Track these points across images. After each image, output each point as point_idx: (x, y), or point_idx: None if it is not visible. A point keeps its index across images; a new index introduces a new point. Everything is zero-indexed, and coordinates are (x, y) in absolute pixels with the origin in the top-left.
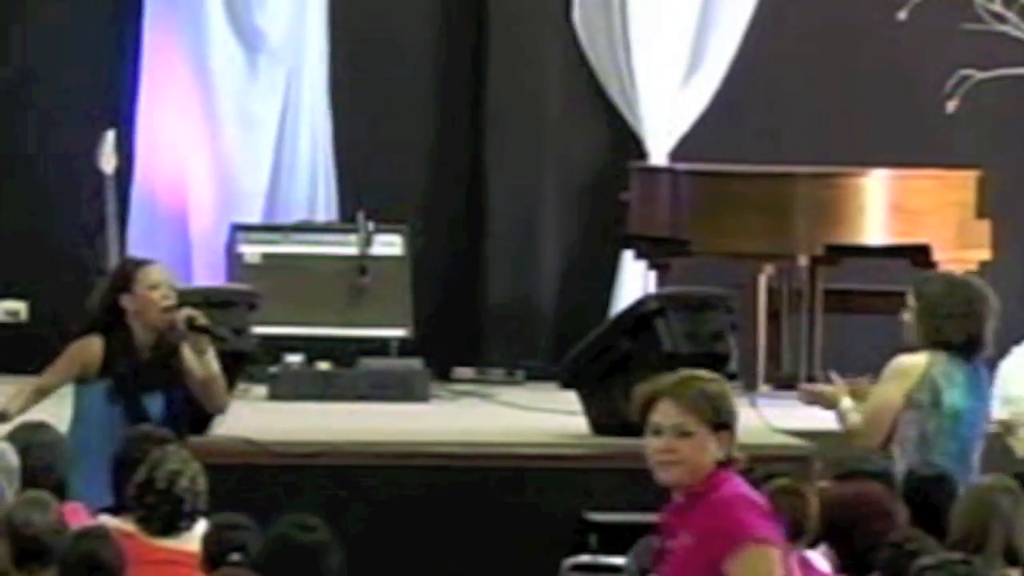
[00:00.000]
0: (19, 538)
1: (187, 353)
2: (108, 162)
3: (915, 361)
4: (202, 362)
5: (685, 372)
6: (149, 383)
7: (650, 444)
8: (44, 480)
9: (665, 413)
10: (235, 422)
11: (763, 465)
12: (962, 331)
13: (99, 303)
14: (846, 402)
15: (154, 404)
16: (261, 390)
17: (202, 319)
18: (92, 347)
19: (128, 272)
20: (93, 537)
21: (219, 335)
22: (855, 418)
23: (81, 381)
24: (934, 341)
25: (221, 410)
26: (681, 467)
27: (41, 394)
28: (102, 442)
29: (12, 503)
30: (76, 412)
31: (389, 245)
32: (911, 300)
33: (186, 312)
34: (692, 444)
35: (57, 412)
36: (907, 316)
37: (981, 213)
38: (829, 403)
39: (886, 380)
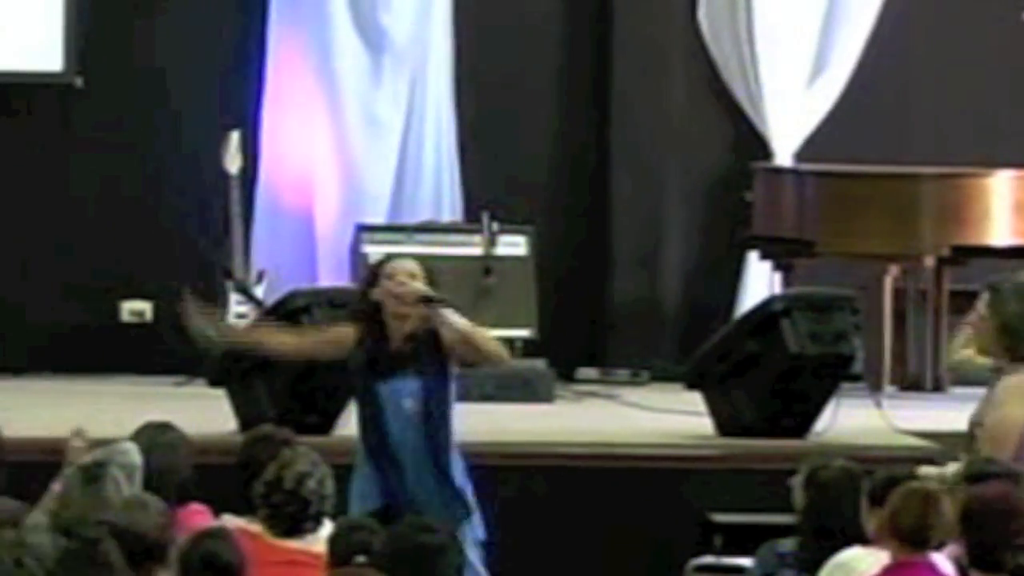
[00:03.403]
0: (127, 539)
1: (442, 329)
2: (233, 163)
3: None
4: (450, 329)
5: None
6: (394, 369)
7: None
8: (165, 480)
9: None
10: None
11: (888, 467)
12: None
13: (357, 300)
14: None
15: (406, 390)
16: None
17: (428, 292)
18: (345, 330)
19: (376, 266)
20: (213, 537)
21: (440, 299)
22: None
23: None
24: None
25: (494, 360)
26: None
27: (310, 344)
28: (376, 446)
29: (115, 508)
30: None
31: (513, 246)
32: (982, 308)
33: (411, 289)
34: None
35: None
36: (978, 325)
37: None
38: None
39: (1004, 403)
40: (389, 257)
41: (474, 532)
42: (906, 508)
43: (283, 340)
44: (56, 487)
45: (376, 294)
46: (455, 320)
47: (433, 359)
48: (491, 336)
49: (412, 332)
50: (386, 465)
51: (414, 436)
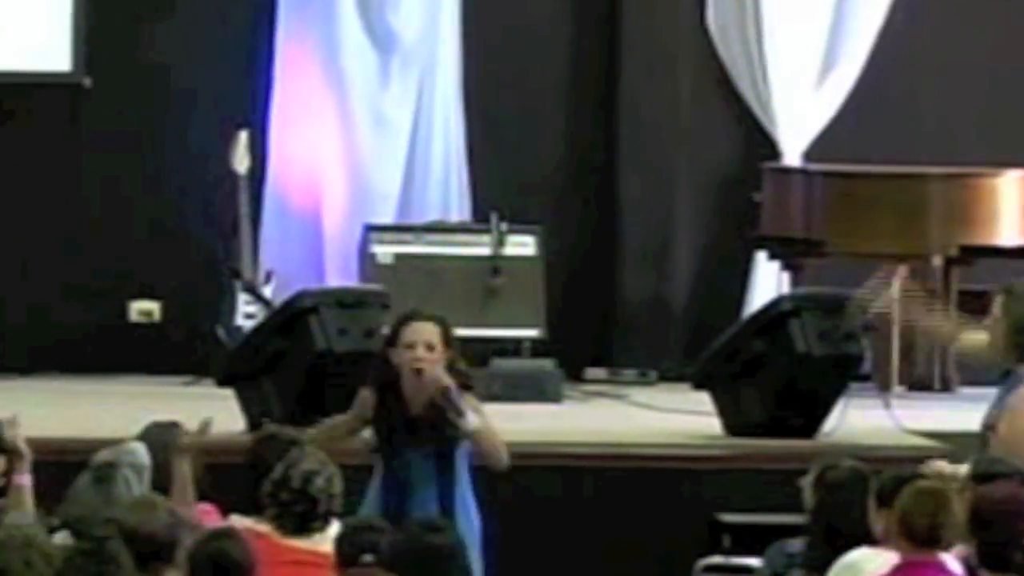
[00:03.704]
0: (135, 540)
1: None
2: (241, 163)
3: None
4: (464, 425)
5: None
6: (415, 438)
7: None
8: (172, 480)
9: None
10: None
11: (896, 467)
12: None
13: (375, 358)
14: (966, 334)
15: (421, 459)
16: None
17: (447, 383)
18: (367, 396)
19: (397, 325)
20: (222, 537)
21: (460, 383)
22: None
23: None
24: None
25: (494, 465)
26: None
27: (337, 438)
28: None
29: (123, 508)
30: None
31: (522, 246)
32: (996, 310)
33: (432, 376)
34: None
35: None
36: (990, 326)
37: None
38: (948, 337)
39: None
40: (409, 317)
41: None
42: (918, 508)
43: (332, 436)
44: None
45: (395, 355)
46: (470, 421)
47: (445, 433)
48: (499, 440)
49: (432, 400)
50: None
51: (429, 497)
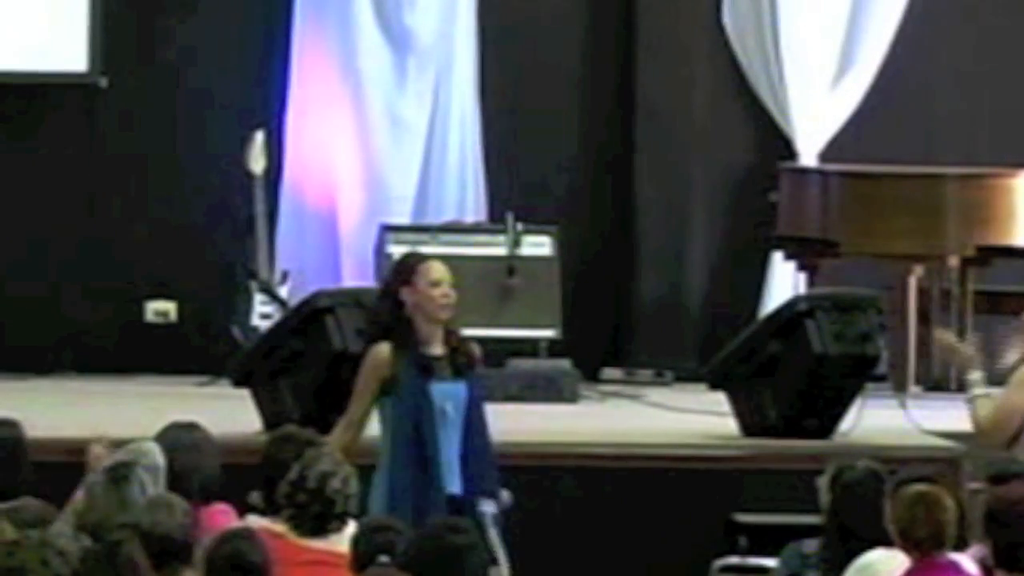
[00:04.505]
0: (151, 541)
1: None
2: (257, 163)
3: None
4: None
5: None
6: (437, 372)
7: None
8: (189, 480)
9: None
10: None
11: (912, 467)
12: None
13: (380, 297)
14: (976, 375)
15: (449, 394)
16: None
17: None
18: (381, 354)
19: (411, 265)
20: (239, 537)
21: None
22: (981, 397)
23: (384, 392)
24: None
25: None
26: None
27: (355, 426)
28: (413, 447)
29: (139, 509)
30: (384, 426)
31: (538, 246)
32: None
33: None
34: None
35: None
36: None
37: None
38: (962, 364)
39: (1016, 386)
40: (422, 257)
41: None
42: (912, 517)
43: (353, 434)
44: (79, 495)
45: (409, 294)
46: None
47: (470, 373)
48: None
49: (454, 345)
50: (419, 473)
51: (453, 442)
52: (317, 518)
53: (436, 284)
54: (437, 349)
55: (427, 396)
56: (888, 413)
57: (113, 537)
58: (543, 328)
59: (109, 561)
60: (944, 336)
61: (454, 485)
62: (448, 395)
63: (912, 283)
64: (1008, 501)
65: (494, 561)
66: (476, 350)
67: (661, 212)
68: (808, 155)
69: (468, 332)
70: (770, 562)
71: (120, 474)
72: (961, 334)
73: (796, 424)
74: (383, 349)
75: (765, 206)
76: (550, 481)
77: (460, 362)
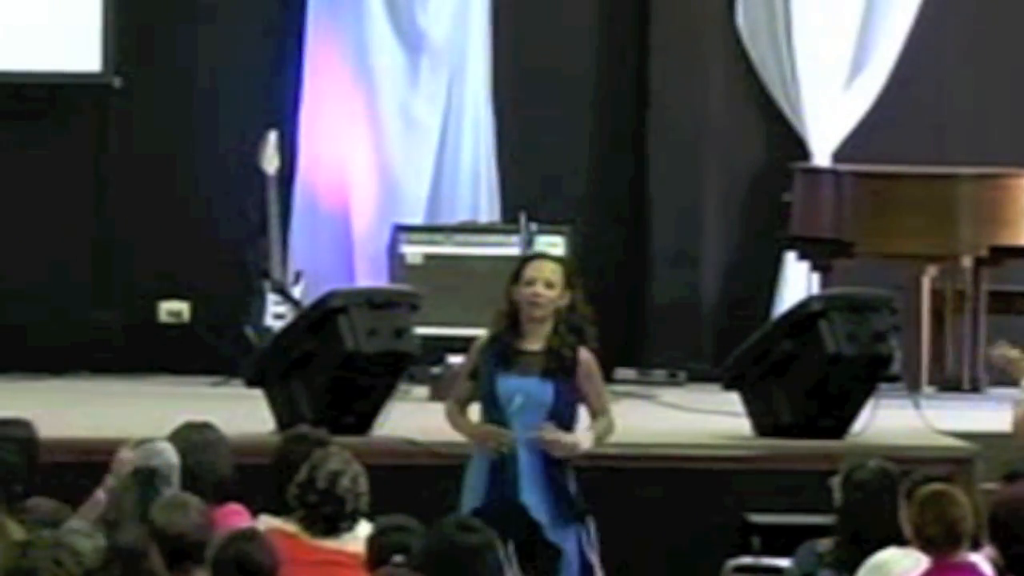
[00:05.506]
0: (166, 540)
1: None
2: (270, 163)
3: None
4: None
5: None
6: (519, 365)
7: None
8: (204, 479)
9: None
10: (397, 423)
11: (925, 468)
12: None
13: (503, 294)
14: None
15: (525, 388)
16: (423, 391)
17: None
18: (477, 343)
19: (521, 263)
20: (246, 539)
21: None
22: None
23: (473, 378)
24: None
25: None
26: None
27: (459, 403)
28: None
29: (154, 508)
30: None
31: (551, 246)
32: None
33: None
34: None
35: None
36: None
37: None
38: (1019, 373)
39: None
40: (534, 255)
41: (589, 537)
42: (927, 517)
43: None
44: (100, 495)
45: (515, 293)
46: (580, 448)
47: (564, 376)
48: (611, 426)
49: (551, 345)
50: (498, 461)
51: (527, 444)
52: (328, 518)
53: (529, 283)
54: (534, 345)
55: (493, 387)
56: (901, 413)
57: (129, 537)
58: None
59: (124, 562)
60: (1000, 352)
61: (527, 492)
62: (519, 389)
63: (925, 283)
64: (1010, 504)
65: None
66: (576, 354)
67: (674, 212)
68: (822, 155)
69: (481, 332)
70: (784, 562)
71: (147, 476)
72: (974, 334)
73: (810, 424)
74: (481, 339)
75: (779, 206)
76: None
77: (552, 363)
